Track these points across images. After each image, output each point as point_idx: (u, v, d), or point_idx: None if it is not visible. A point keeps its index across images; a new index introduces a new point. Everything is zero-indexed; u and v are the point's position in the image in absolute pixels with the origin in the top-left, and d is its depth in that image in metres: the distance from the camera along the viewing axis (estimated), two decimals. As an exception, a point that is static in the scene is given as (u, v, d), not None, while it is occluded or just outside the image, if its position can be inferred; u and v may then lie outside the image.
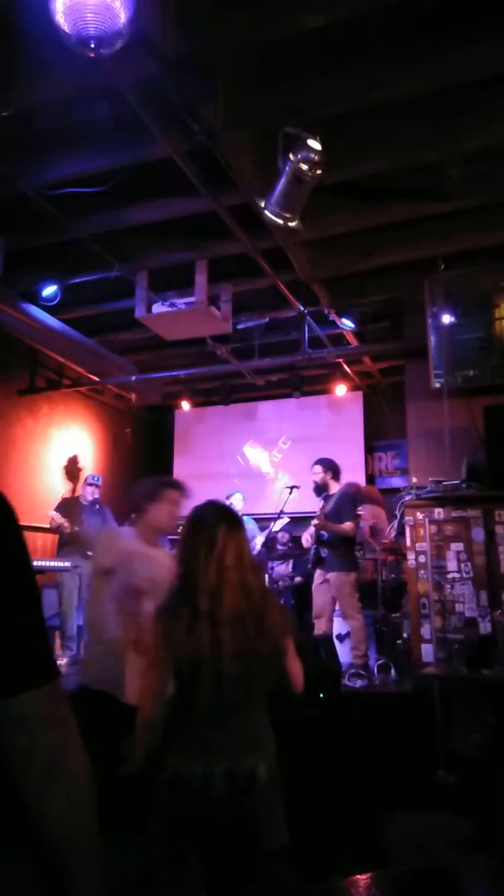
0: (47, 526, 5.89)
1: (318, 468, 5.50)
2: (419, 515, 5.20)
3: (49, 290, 5.54)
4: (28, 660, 0.85)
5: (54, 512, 5.86)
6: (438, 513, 5.14)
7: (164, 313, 5.54)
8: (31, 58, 3.14)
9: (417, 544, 5.17)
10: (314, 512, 5.55)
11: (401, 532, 5.50)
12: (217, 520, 2.02)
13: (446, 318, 5.28)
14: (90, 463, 7.96)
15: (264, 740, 1.95)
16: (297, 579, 6.84)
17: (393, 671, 5.15)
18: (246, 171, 3.90)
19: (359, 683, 4.86)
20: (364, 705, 4.55)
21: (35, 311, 5.69)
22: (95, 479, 6.46)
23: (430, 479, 5.17)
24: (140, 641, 2.72)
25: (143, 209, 4.57)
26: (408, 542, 5.25)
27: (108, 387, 7.64)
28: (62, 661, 5.28)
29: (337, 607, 5.28)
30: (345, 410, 8.47)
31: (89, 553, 2.75)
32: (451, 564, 5.05)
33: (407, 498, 5.29)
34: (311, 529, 5.37)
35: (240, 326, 6.41)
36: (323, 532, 5.25)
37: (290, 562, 7.06)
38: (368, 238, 5.04)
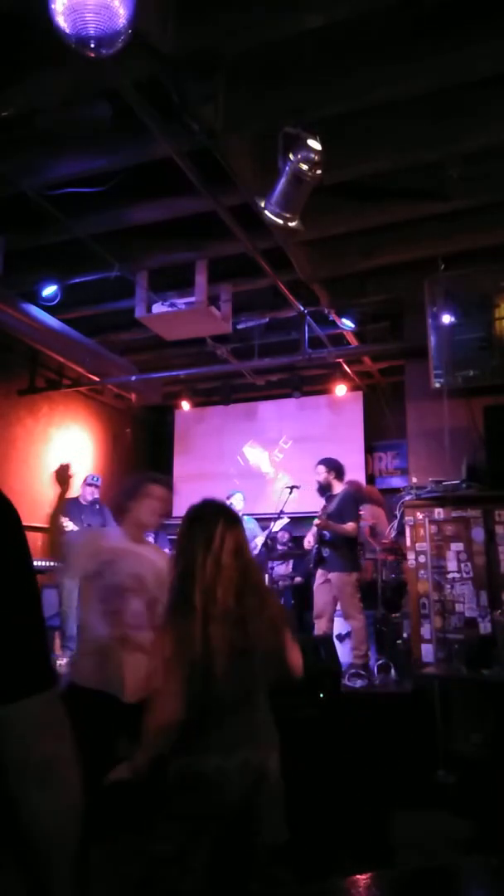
0: (47, 526, 5.87)
1: (322, 468, 5.49)
2: (419, 515, 5.19)
3: (49, 290, 5.53)
4: (27, 666, 0.85)
5: None
6: (438, 513, 5.14)
7: (164, 313, 5.54)
8: (31, 58, 3.14)
9: (417, 544, 5.17)
10: (314, 512, 5.54)
11: (401, 532, 5.50)
12: (215, 517, 2.03)
13: (446, 318, 5.28)
14: (90, 463, 7.97)
15: (271, 735, 1.96)
16: (297, 579, 6.83)
17: (393, 671, 5.15)
18: (246, 171, 3.90)
19: (359, 683, 4.86)
20: (364, 705, 4.55)
21: (35, 311, 5.68)
22: (95, 479, 6.46)
23: (430, 479, 5.16)
24: (127, 638, 2.73)
25: (143, 209, 4.57)
26: (408, 542, 5.25)
27: (108, 387, 7.64)
28: (62, 661, 5.28)
29: (338, 607, 5.28)
30: (345, 410, 8.46)
31: (64, 561, 2.77)
32: (451, 564, 5.05)
33: (407, 498, 5.29)
34: (314, 529, 5.36)
35: (240, 326, 6.41)
36: (325, 532, 5.25)
37: (290, 562, 7.06)
38: (368, 238, 5.03)
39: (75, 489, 6.31)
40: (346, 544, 5.24)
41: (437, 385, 5.24)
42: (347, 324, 6.24)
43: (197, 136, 3.47)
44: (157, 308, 5.56)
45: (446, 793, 3.81)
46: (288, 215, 3.72)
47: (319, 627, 5.24)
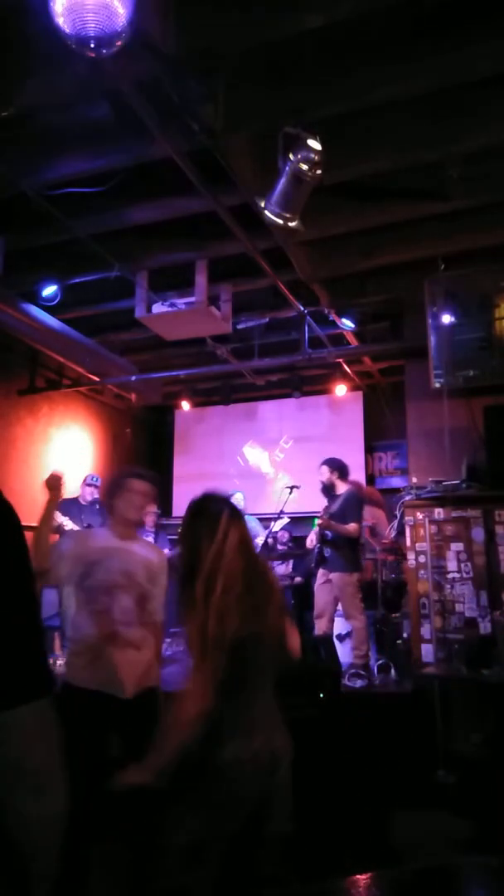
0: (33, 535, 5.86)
1: (325, 468, 5.48)
2: (419, 515, 5.20)
3: (49, 290, 5.53)
4: (24, 673, 0.85)
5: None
6: (438, 513, 5.14)
7: (164, 313, 5.54)
8: (31, 58, 3.14)
9: (417, 544, 5.18)
10: (314, 512, 5.54)
11: (401, 532, 5.50)
12: (219, 508, 2.05)
13: (446, 318, 5.28)
14: (90, 463, 7.97)
15: (280, 721, 1.98)
16: (297, 579, 6.83)
17: (393, 671, 5.15)
18: (246, 171, 3.90)
19: (359, 683, 4.85)
20: (364, 705, 4.55)
21: (35, 311, 5.68)
22: (95, 479, 6.46)
23: (430, 479, 5.17)
24: (117, 635, 2.74)
25: (143, 209, 4.57)
26: (408, 542, 5.25)
27: (108, 387, 7.64)
28: (61, 661, 5.27)
29: (338, 607, 5.28)
30: (345, 410, 8.46)
31: (45, 567, 2.76)
32: (451, 564, 5.05)
33: (407, 498, 5.29)
34: (317, 529, 5.36)
35: (240, 326, 6.41)
36: (327, 532, 5.25)
37: (290, 562, 7.06)
38: (368, 238, 5.03)
39: (73, 491, 6.33)
40: (347, 544, 5.24)
41: (437, 385, 5.25)
42: (347, 324, 6.23)
43: (197, 136, 3.47)
44: (157, 308, 5.56)
45: (446, 793, 3.82)
46: (288, 215, 3.72)
47: (320, 627, 5.24)
